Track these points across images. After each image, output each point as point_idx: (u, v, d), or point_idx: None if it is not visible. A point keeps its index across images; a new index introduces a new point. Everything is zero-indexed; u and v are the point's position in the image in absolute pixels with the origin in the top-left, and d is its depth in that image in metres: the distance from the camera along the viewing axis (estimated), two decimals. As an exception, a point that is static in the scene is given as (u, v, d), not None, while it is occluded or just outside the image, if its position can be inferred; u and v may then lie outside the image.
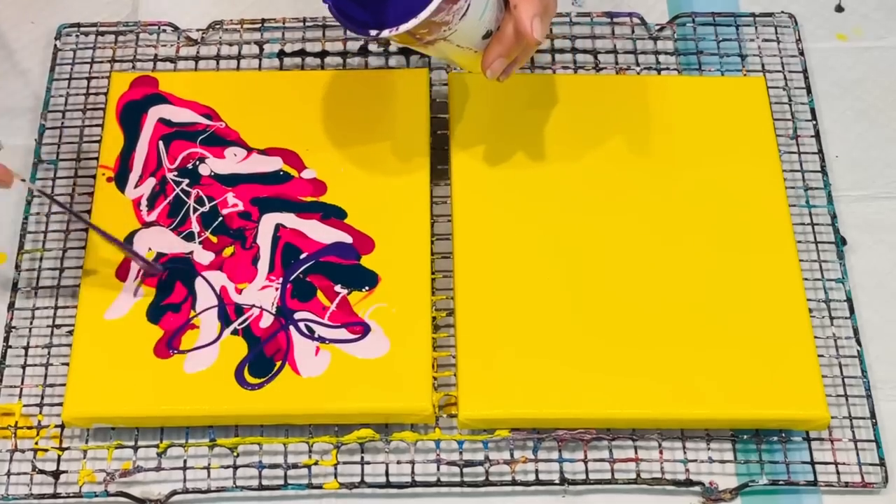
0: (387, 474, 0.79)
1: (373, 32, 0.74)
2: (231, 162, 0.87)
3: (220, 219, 0.85)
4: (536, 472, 0.79)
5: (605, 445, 0.80)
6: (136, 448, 0.80)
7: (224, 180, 0.86)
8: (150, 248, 0.83)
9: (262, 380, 0.79)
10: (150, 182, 0.86)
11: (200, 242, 0.84)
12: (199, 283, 0.82)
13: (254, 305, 0.81)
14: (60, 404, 0.79)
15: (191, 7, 0.97)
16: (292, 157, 0.87)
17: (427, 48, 0.77)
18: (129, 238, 0.84)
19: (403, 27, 0.72)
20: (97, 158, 0.88)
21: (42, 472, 0.79)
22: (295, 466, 0.79)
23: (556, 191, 0.85)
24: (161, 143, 0.88)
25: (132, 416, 0.79)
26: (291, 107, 0.89)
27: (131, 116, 0.89)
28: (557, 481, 0.79)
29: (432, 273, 0.83)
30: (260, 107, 0.89)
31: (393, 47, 0.94)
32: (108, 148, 0.87)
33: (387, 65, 0.94)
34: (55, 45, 0.94)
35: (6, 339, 0.83)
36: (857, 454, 0.80)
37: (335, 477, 0.79)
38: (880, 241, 0.88)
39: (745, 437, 0.80)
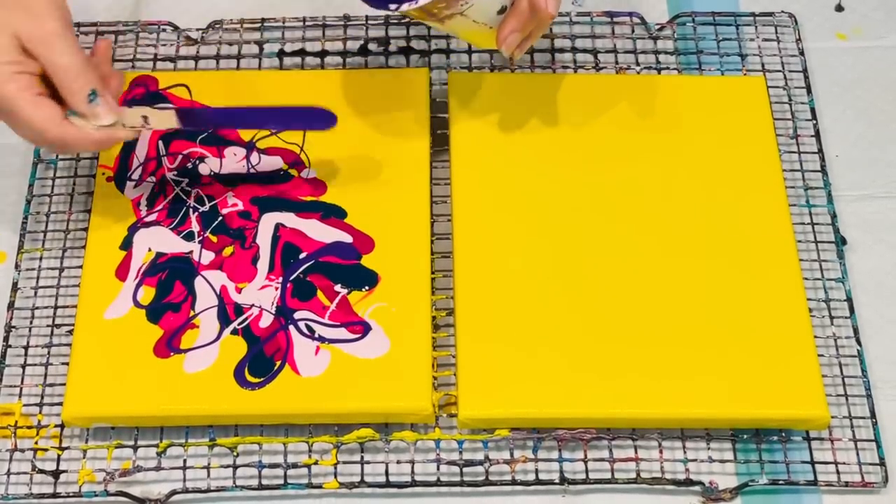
0: (387, 474, 0.79)
1: (392, 7, 0.74)
2: (231, 161, 0.87)
3: (220, 218, 0.85)
4: (536, 471, 0.79)
5: (605, 445, 0.80)
6: (135, 448, 0.80)
7: (224, 180, 0.86)
8: (149, 249, 0.83)
9: (262, 379, 0.79)
10: (150, 181, 0.86)
11: (200, 242, 0.84)
12: (199, 283, 0.82)
13: (253, 305, 0.81)
14: (60, 404, 0.79)
15: (191, 7, 0.97)
16: (292, 156, 0.87)
17: (443, 24, 0.77)
18: (129, 237, 0.84)
19: (422, 1, 0.73)
20: (97, 158, 0.88)
21: (42, 471, 0.79)
22: (295, 466, 0.79)
23: (556, 190, 0.85)
24: (161, 142, 0.88)
25: (132, 415, 0.79)
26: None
27: (131, 116, 0.89)
28: (557, 481, 0.79)
29: (432, 273, 0.83)
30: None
31: (393, 47, 0.94)
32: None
33: (387, 65, 0.94)
34: (55, 45, 0.94)
35: (6, 339, 0.83)
36: (857, 454, 0.80)
37: (335, 476, 0.79)
38: (880, 241, 0.88)
39: (745, 436, 0.80)
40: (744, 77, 0.92)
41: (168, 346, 0.80)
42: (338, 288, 0.82)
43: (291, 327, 0.81)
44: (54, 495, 0.78)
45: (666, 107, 0.89)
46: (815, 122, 0.91)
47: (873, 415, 0.81)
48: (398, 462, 0.79)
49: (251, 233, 0.84)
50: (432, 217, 0.86)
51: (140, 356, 0.80)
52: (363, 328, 0.81)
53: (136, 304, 0.81)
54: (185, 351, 0.80)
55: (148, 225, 0.84)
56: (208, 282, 0.82)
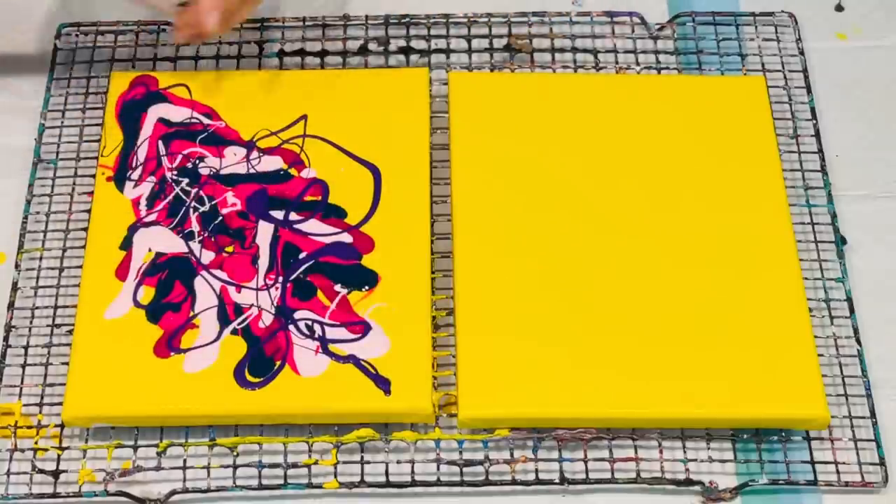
0: (387, 474, 0.79)
1: None
2: (231, 161, 0.87)
3: (220, 218, 0.85)
4: (536, 471, 0.79)
5: (605, 445, 0.80)
6: (135, 448, 0.80)
7: (224, 180, 0.86)
8: (149, 249, 0.83)
9: (262, 379, 0.79)
10: (150, 181, 0.86)
11: (200, 242, 0.84)
12: (199, 283, 0.82)
13: (253, 305, 0.81)
14: (60, 404, 0.79)
15: (191, 7, 0.97)
16: (292, 156, 0.87)
17: None
18: (129, 237, 0.84)
19: None
20: (97, 158, 0.88)
21: (42, 471, 0.79)
22: (295, 466, 0.79)
23: (556, 190, 0.85)
24: (160, 142, 0.87)
25: (132, 415, 0.79)
26: (291, 106, 0.89)
27: (131, 116, 0.89)
28: (557, 481, 0.79)
29: (432, 273, 0.83)
30: (260, 106, 0.89)
31: (393, 46, 0.94)
32: (108, 147, 0.87)
33: (387, 65, 0.94)
34: (55, 45, 0.94)
35: (6, 339, 0.83)
36: (857, 454, 0.80)
37: (335, 476, 0.79)
38: (880, 241, 0.89)
39: (745, 436, 0.80)
40: (744, 77, 0.92)
41: (168, 346, 0.80)
42: (338, 288, 0.82)
43: (291, 327, 0.81)
44: (54, 495, 0.78)
45: (666, 107, 0.89)
46: (815, 122, 0.91)
47: (873, 415, 0.81)
48: (398, 462, 0.79)
49: (251, 233, 0.84)
50: (432, 217, 0.86)
51: (140, 356, 0.80)
52: (363, 328, 0.81)
53: (136, 304, 0.81)
54: (185, 351, 0.80)
55: (148, 225, 0.84)
56: (208, 282, 0.82)
